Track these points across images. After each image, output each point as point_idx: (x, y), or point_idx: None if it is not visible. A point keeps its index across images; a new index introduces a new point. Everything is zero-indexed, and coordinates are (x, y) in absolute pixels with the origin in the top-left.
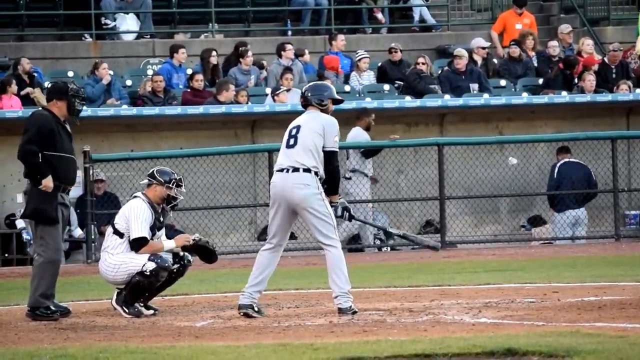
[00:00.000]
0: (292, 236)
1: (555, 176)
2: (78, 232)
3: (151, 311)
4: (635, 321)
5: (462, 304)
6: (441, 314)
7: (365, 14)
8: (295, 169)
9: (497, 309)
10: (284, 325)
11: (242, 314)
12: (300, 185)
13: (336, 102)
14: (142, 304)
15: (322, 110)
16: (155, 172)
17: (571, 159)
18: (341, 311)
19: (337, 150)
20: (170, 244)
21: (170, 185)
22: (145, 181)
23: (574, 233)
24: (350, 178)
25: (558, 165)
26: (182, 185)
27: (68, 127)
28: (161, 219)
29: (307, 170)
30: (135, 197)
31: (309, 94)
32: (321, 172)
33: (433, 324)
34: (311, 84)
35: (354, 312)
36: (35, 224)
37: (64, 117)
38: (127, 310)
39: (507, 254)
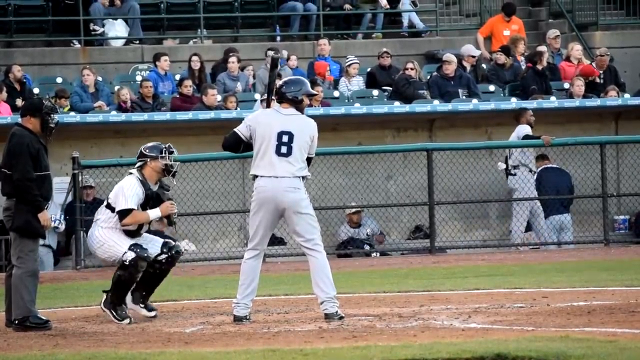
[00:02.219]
0: (282, 242)
1: (535, 183)
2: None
3: (153, 312)
4: (624, 326)
5: (451, 309)
6: (431, 319)
7: (366, 17)
8: (286, 176)
9: (487, 314)
10: (273, 331)
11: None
12: (291, 189)
13: (311, 97)
14: (142, 305)
15: (297, 107)
16: (143, 150)
17: (551, 165)
18: (328, 317)
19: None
20: (155, 213)
21: (163, 155)
22: (138, 163)
23: (559, 238)
24: (515, 174)
25: (537, 171)
26: (173, 151)
27: (43, 141)
28: (154, 196)
29: (298, 177)
30: (130, 173)
31: (284, 90)
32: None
33: (423, 329)
34: (286, 79)
35: (341, 318)
36: (20, 237)
37: (38, 133)
38: (114, 314)
39: (496, 259)
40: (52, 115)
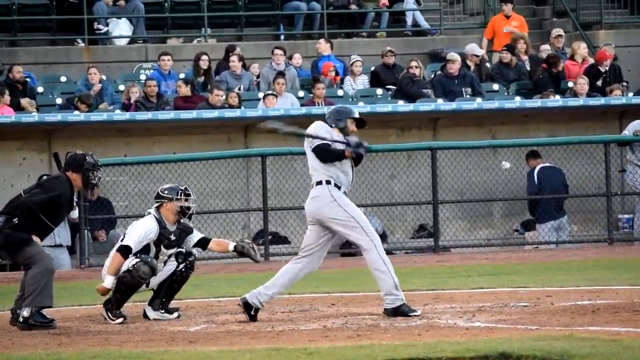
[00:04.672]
0: (285, 240)
1: (535, 183)
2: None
3: (176, 314)
4: (628, 325)
5: (455, 308)
6: (435, 318)
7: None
8: (314, 185)
9: (491, 313)
10: (277, 330)
11: (242, 304)
12: (313, 200)
13: (359, 122)
14: (162, 311)
15: (341, 128)
16: (160, 191)
17: (546, 164)
18: (386, 311)
19: (317, 143)
20: (109, 280)
21: (179, 197)
22: (156, 204)
23: (557, 238)
24: (624, 170)
25: (536, 172)
26: (190, 194)
27: (75, 198)
28: (172, 237)
29: (319, 182)
30: (148, 213)
31: (328, 119)
32: (334, 176)
33: (427, 328)
34: (332, 108)
35: (404, 314)
36: (11, 252)
37: (78, 189)
38: (109, 314)
39: (500, 258)
40: (94, 172)
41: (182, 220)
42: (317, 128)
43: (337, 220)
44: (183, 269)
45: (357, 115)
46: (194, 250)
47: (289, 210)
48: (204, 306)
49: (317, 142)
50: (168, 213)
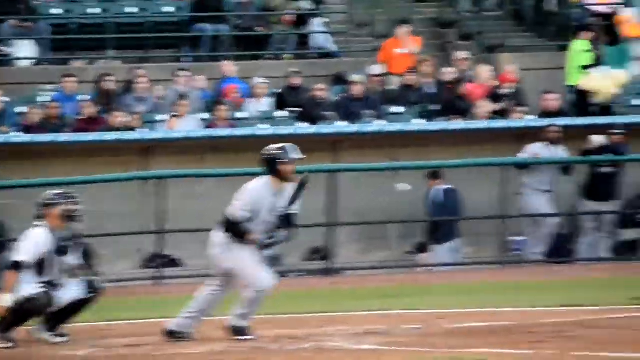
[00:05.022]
0: (179, 263)
1: (434, 204)
2: None
3: (65, 338)
4: (520, 347)
5: (346, 331)
6: (325, 341)
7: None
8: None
9: (382, 336)
10: (167, 353)
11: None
12: (210, 243)
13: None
14: (52, 333)
15: (277, 175)
16: (41, 202)
17: (447, 186)
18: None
19: (233, 212)
20: (5, 298)
21: (60, 201)
22: (40, 215)
23: (454, 259)
24: (519, 193)
25: (435, 192)
26: (73, 197)
27: None
28: (65, 244)
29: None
30: (35, 225)
31: (268, 167)
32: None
33: (316, 351)
34: (267, 151)
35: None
36: None
37: None
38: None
39: (394, 280)
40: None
41: (70, 226)
42: (257, 189)
43: (226, 266)
44: (87, 299)
45: (290, 157)
46: (102, 283)
47: (186, 233)
48: (93, 330)
49: (235, 207)
50: (54, 220)
